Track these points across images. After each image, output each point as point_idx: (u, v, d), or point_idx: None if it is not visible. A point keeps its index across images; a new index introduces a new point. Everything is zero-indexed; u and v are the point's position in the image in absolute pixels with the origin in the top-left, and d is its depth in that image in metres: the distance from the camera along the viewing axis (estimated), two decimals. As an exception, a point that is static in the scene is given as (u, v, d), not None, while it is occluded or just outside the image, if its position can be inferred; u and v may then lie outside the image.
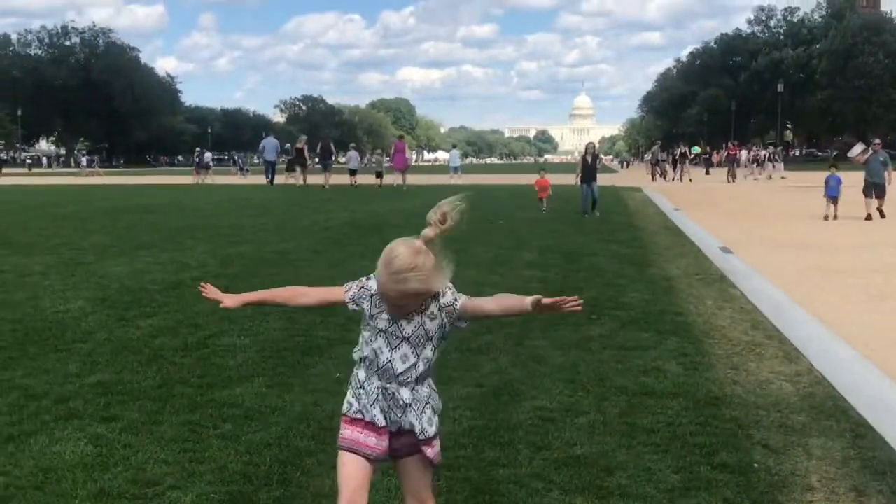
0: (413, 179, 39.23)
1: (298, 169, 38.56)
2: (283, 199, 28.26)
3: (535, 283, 10.05)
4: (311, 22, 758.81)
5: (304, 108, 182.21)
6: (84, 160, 74.69)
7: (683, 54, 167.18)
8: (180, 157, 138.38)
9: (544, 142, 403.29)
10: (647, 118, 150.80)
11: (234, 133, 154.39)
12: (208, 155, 53.09)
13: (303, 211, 21.92)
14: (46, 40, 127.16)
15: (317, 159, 43.76)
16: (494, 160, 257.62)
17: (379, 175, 38.70)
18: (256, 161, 72.01)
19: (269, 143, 40.42)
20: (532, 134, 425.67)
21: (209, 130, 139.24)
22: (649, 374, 6.08)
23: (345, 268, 11.26)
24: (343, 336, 7.00)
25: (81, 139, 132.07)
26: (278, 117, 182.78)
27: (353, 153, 41.89)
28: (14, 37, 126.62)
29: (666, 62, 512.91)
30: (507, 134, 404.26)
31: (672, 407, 5.32)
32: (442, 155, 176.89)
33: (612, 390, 5.69)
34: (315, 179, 37.75)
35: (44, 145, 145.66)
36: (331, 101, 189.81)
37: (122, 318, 7.88)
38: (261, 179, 41.74)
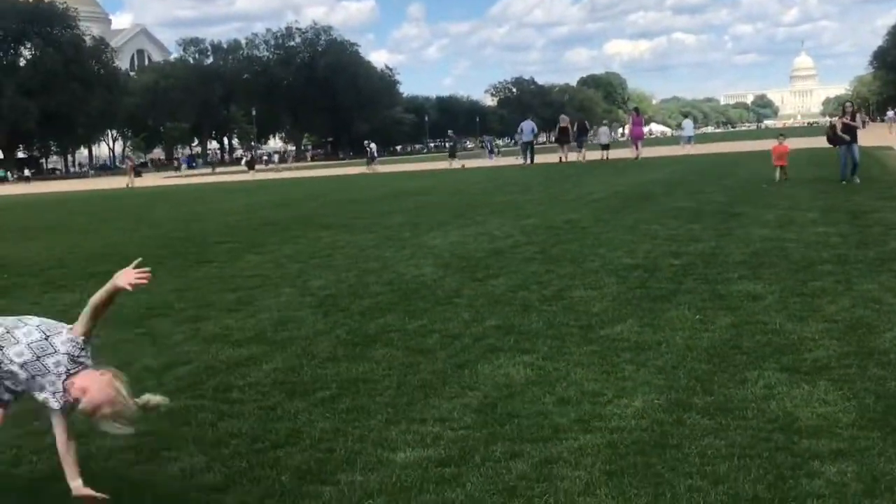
0: (643, 152, 39.63)
1: (564, 147, 40.42)
2: (537, 176, 29.60)
3: (834, 237, 10.46)
4: (518, 3, 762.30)
5: (514, 90, 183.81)
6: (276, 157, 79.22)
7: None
8: (398, 147, 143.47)
9: (763, 107, 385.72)
10: (878, 74, 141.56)
11: (449, 120, 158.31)
12: (374, 146, 57.28)
13: (563, 186, 22.96)
14: (272, 42, 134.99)
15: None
16: (711, 129, 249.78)
17: (605, 147, 40.29)
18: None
19: (527, 125, 42.94)
20: (749, 100, 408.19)
21: (426, 119, 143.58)
22: None
23: (639, 230, 12.11)
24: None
25: (307, 134, 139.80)
26: (489, 101, 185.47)
27: (604, 129, 43.93)
28: (243, 41, 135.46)
29: None
30: (722, 101, 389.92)
31: None
32: (655, 127, 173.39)
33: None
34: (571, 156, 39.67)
35: (272, 143, 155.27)
36: (540, 80, 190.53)
37: (474, 279, 9.07)
38: (507, 161, 43.86)
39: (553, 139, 48.25)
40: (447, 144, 54.21)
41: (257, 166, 61.51)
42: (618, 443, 4.35)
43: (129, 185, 47.76)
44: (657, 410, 4.79)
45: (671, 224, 12.60)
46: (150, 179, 61.72)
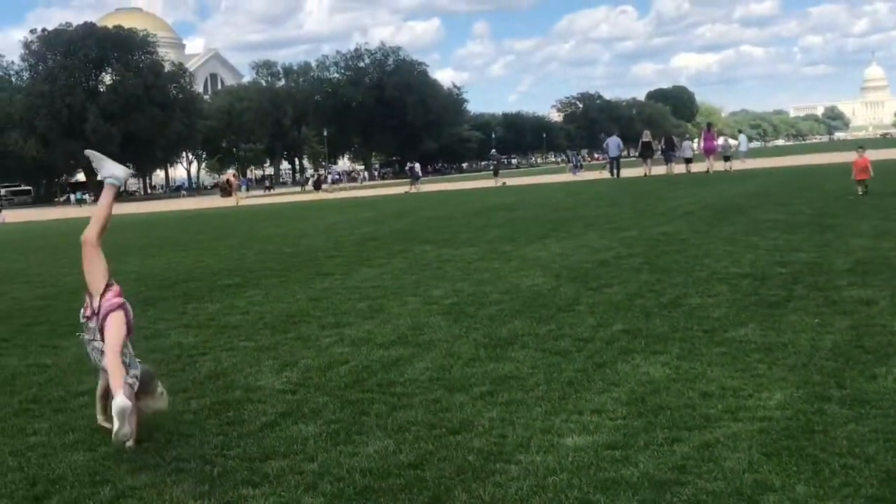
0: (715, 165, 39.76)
1: (647, 161, 41.30)
2: (623, 190, 30.07)
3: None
4: (583, 18, 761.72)
5: (580, 105, 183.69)
6: (329, 176, 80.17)
7: None
8: (465, 164, 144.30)
9: (834, 119, 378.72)
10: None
11: (515, 136, 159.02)
12: (417, 166, 58.55)
13: (651, 199, 23.30)
14: (342, 63, 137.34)
15: (659, 152, 47.21)
16: (781, 142, 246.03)
17: (688, 161, 40.93)
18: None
19: (612, 141, 44.37)
20: (820, 111, 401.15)
21: (493, 136, 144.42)
22: None
23: (738, 241, 12.43)
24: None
25: (374, 154, 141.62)
26: (555, 116, 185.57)
27: (687, 143, 45.19)
28: (313, 63, 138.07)
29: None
30: (792, 113, 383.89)
31: None
32: (731, 141, 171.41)
33: None
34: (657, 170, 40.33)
35: (341, 163, 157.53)
36: (606, 95, 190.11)
37: (588, 288, 9.52)
38: (591, 175, 44.64)
39: (635, 154, 48.90)
40: (491, 163, 55.41)
41: (324, 186, 62.64)
42: (768, 429, 4.76)
43: (237, 203, 49.70)
44: (798, 402, 5.19)
45: (769, 235, 12.88)
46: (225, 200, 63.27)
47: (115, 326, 4.90)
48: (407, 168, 59.03)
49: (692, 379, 5.83)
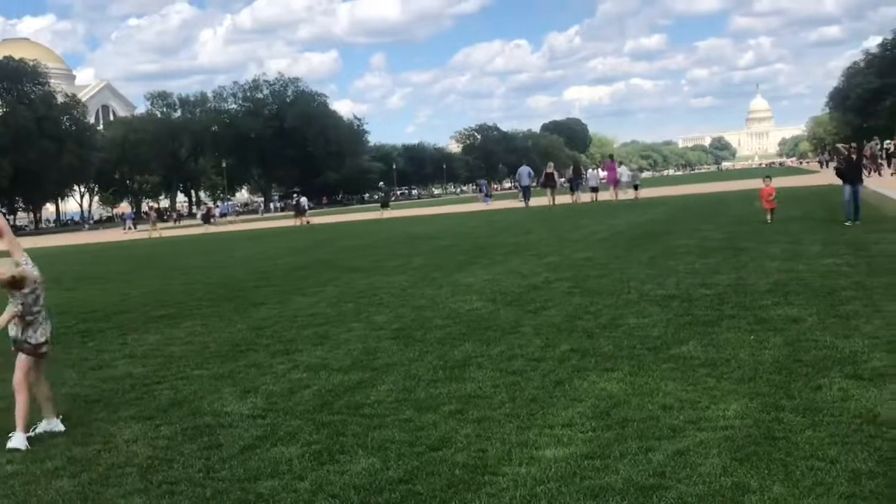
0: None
1: (549, 190, 42.16)
2: (534, 218, 30.74)
3: (844, 267, 11.34)
4: (478, 51, 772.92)
5: (478, 136, 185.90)
6: (217, 210, 78.75)
7: (868, 45, 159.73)
8: (366, 195, 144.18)
9: (721, 149, 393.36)
10: (834, 115, 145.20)
11: (416, 167, 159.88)
12: (304, 199, 58.37)
13: (564, 226, 23.92)
14: (240, 94, 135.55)
15: (563, 181, 48.49)
16: (671, 172, 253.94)
17: (594, 190, 42.73)
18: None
19: (524, 170, 45.96)
20: (707, 142, 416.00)
21: (394, 167, 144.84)
22: None
23: (657, 265, 12.91)
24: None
25: (274, 185, 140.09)
26: (454, 147, 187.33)
27: (593, 172, 47.88)
28: (210, 94, 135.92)
29: (848, 55, 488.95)
30: (681, 144, 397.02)
31: None
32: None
33: None
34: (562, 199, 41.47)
35: (240, 195, 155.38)
36: (503, 127, 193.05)
37: (527, 311, 9.79)
38: (502, 203, 45.61)
39: (539, 184, 50.17)
40: (378, 196, 55.77)
41: (212, 220, 61.16)
42: (733, 437, 5.06)
43: (156, 235, 48.17)
44: (754, 412, 5.52)
45: (685, 259, 13.42)
46: (112, 234, 61.72)
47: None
48: (293, 201, 58.49)
49: (649, 393, 6.12)
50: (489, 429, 5.53)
